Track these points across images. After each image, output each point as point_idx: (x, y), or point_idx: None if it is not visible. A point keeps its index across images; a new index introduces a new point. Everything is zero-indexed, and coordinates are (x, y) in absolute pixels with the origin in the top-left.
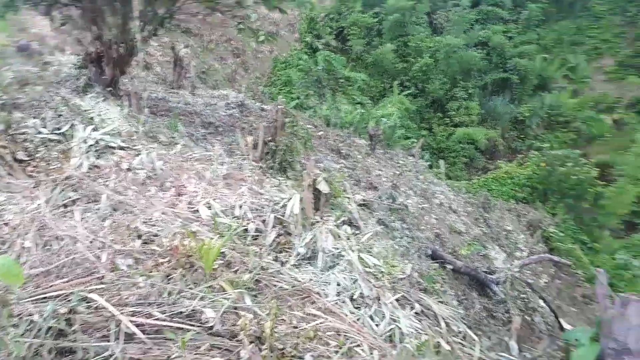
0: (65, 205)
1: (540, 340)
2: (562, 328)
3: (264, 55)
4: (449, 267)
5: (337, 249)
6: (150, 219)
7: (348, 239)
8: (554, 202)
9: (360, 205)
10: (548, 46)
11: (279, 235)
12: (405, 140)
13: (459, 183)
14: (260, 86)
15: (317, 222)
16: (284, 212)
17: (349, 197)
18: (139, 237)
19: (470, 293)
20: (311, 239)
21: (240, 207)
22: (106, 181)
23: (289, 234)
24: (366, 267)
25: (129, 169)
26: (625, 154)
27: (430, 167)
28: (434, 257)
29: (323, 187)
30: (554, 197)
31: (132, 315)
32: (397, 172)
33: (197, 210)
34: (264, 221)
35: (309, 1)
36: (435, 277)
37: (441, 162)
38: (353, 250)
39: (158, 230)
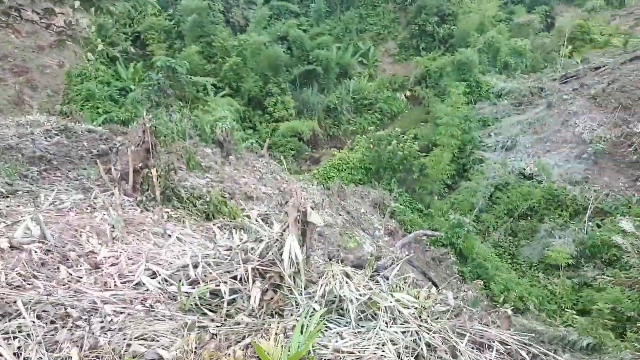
0: None
1: None
2: None
3: (53, 70)
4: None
5: (363, 294)
6: (111, 320)
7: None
8: (388, 179)
9: (262, 220)
10: (339, 36)
11: (264, 292)
12: (245, 141)
13: (303, 175)
14: (56, 105)
15: (317, 263)
16: (263, 260)
17: (248, 216)
18: None
19: None
20: (325, 287)
21: (196, 265)
22: None
23: (278, 287)
24: (405, 307)
25: (12, 247)
26: (424, 125)
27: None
28: (331, 257)
29: (315, 219)
30: (387, 174)
31: None
32: (258, 177)
33: (139, 283)
34: (235, 277)
35: (149, 1)
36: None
37: (282, 158)
38: (386, 293)
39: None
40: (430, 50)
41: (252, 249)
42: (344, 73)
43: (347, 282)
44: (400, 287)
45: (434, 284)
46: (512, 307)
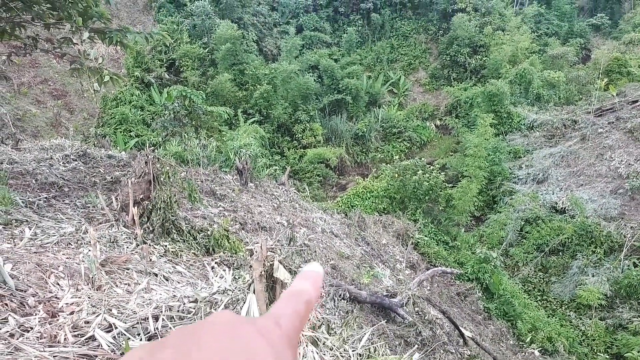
0: None
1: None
2: (462, 335)
3: (90, 94)
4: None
5: None
6: None
7: (329, 344)
8: (413, 209)
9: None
10: (370, 65)
11: None
12: (268, 168)
13: (326, 204)
14: (91, 127)
15: None
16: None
17: (251, 251)
18: None
19: (379, 321)
20: None
21: (156, 318)
22: None
23: None
24: None
25: None
26: (454, 155)
27: (297, 190)
28: (344, 297)
29: (282, 275)
30: (412, 204)
31: None
32: (275, 205)
33: (92, 337)
34: None
35: (159, 33)
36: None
37: (305, 186)
38: None
39: None
40: (462, 81)
41: (217, 303)
42: (374, 102)
43: (312, 350)
44: (378, 352)
45: (453, 323)
46: (540, 348)
